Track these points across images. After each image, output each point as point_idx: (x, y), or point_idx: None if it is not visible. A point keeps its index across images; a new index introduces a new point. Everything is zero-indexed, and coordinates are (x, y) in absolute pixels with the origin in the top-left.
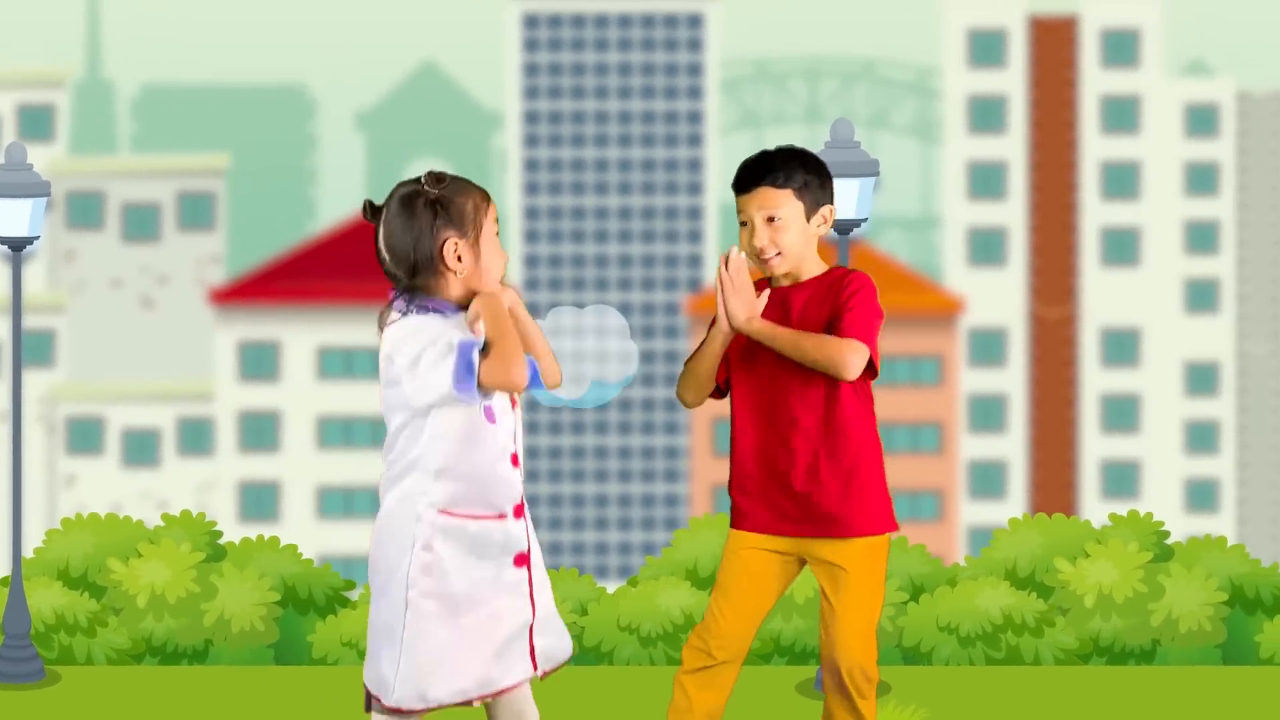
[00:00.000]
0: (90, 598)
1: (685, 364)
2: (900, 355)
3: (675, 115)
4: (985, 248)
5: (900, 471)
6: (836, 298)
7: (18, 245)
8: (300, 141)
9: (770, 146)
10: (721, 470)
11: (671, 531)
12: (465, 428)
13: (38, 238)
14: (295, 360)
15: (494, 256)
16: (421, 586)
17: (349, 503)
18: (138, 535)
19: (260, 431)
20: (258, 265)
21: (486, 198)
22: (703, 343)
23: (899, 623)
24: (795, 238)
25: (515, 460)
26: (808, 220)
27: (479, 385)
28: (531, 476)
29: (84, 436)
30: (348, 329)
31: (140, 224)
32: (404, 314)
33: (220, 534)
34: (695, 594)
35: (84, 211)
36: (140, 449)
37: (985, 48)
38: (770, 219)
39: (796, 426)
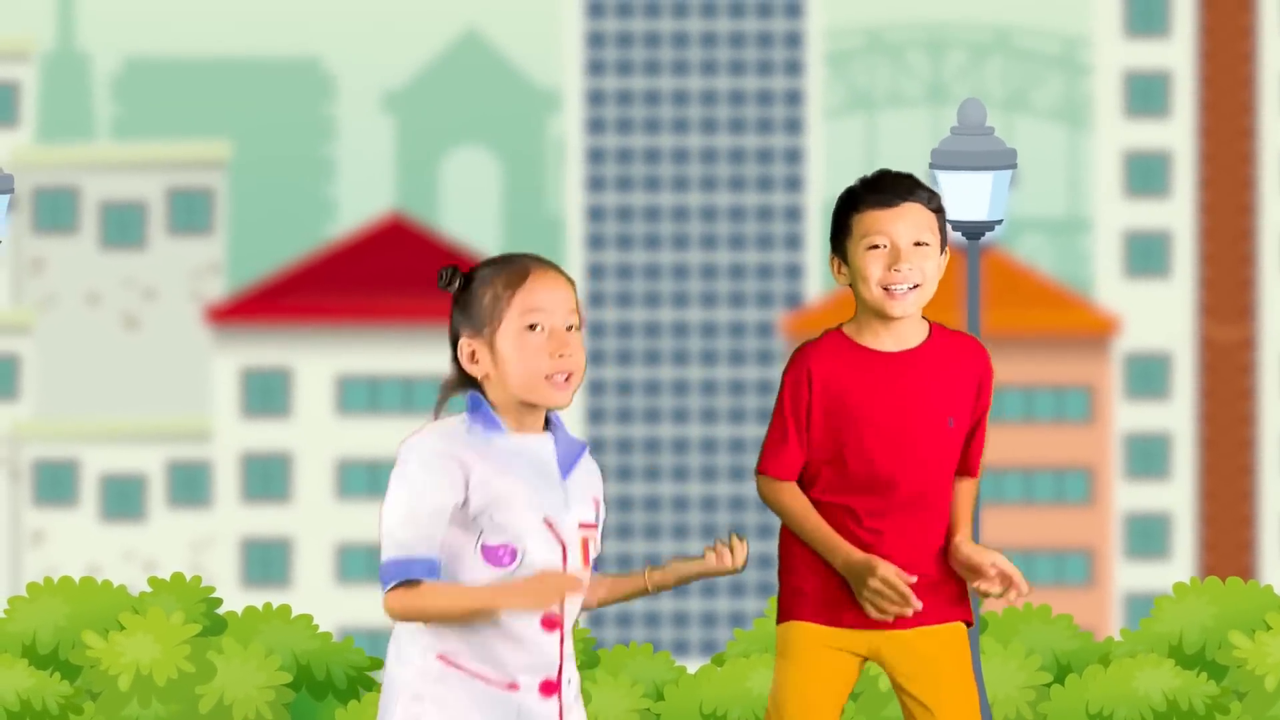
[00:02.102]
0: (62, 679)
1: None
2: (1042, 385)
3: (770, 95)
4: (1145, 256)
5: (1041, 527)
6: (980, 383)
7: None
8: (315, 127)
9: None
10: None
11: (765, 600)
12: (458, 565)
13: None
14: (310, 392)
15: (516, 354)
16: None
17: (375, 564)
18: (119, 603)
19: (267, 478)
20: (264, 277)
21: (519, 281)
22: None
23: (1041, 709)
24: (935, 272)
25: (553, 624)
26: (938, 256)
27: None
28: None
29: (54, 484)
30: (373, 354)
31: (122, 227)
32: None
33: (219, 602)
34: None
35: (54, 211)
36: (122, 499)
37: (1145, 13)
38: (918, 243)
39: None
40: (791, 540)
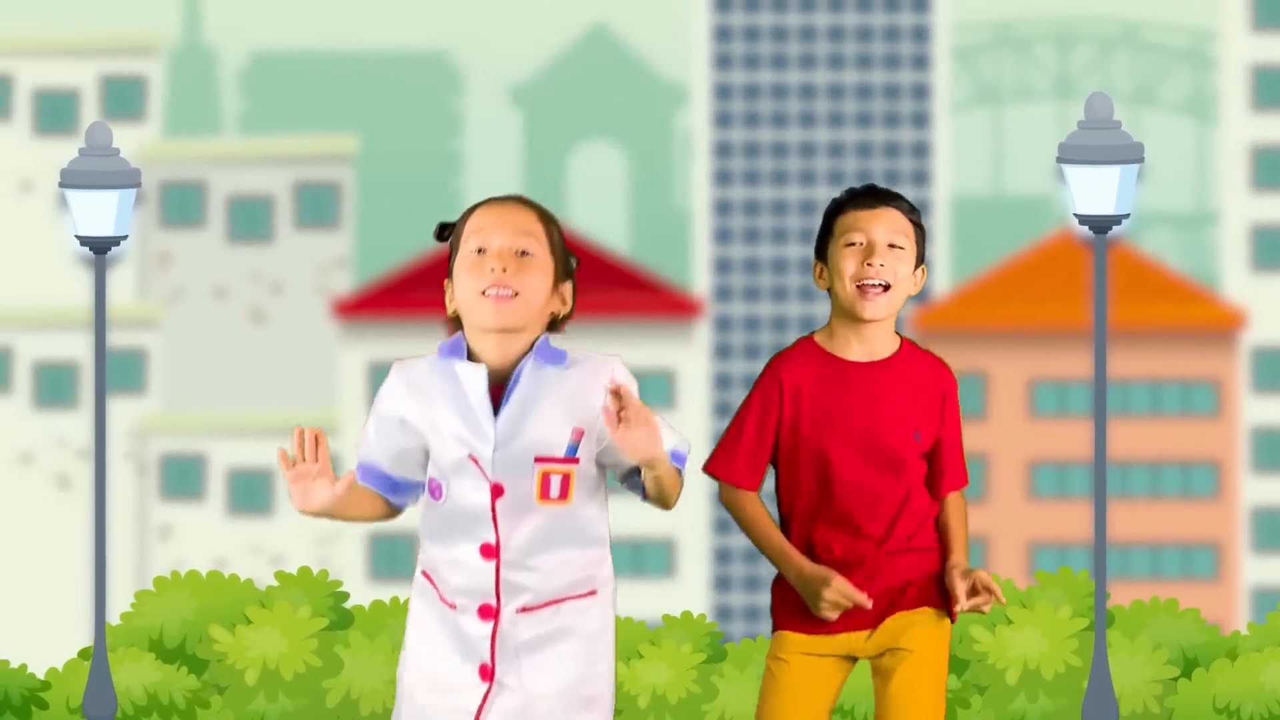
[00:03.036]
0: (189, 673)
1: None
2: (1169, 379)
3: (897, 89)
4: (1272, 249)
5: (1169, 520)
6: (944, 400)
7: (102, 247)
8: (443, 121)
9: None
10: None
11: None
12: (424, 495)
13: (125, 237)
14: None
15: (461, 279)
16: (401, 663)
17: None
18: (246, 597)
19: None
20: (392, 270)
21: (470, 213)
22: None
23: (1168, 703)
24: (906, 279)
25: (490, 552)
26: (913, 270)
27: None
28: (721, 526)
29: (181, 478)
30: None
31: (249, 221)
32: None
33: (346, 595)
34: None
35: (182, 206)
36: (249, 493)
37: (1273, 7)
38: (893, 245)
39: (878, 513)
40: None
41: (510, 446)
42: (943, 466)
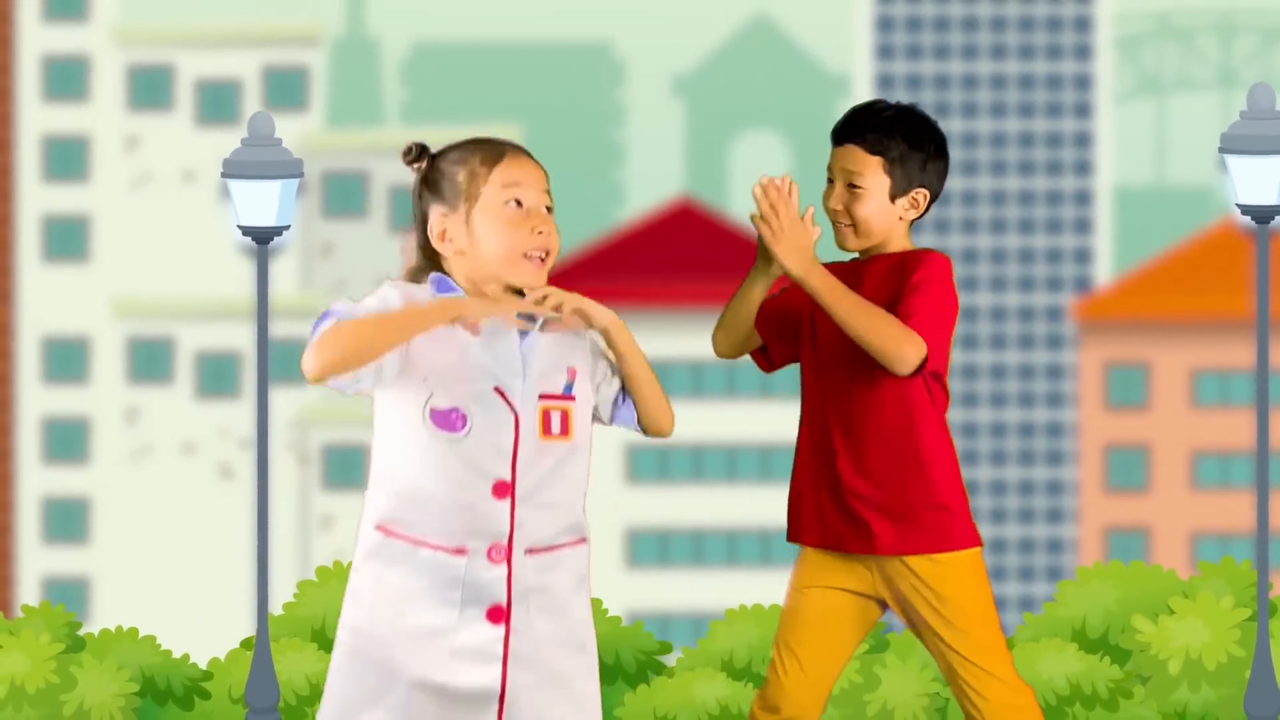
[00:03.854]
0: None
1: (726, 306)
2: None
3: (1059, 79)
4: None
5: None
6: (902, 280)
7: (265, 236)
8: (605, 111)
9: (897, 101)
10: (1119, 509)
11: (1055, 583)
12: (405, 429)
13: (288, 227)
14: None
15: (497, 229)
16: (345, 618)
17: (663, 548)
18: None
19: None
20: (561, 261)
21: (496, 158)
22: (744, 282)
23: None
24: (875, 214)
25: (504, 490)
26: (892, 200)
27: (318, 365)
28: None
29: (343, 468)
30: (661, 338)
31: (412, 211)
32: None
33: None
34: (1082, 658)
35: (344, 196)
36: None
37: None
38: (851, 185)
39: (856, 420)
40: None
41: (525, 382)
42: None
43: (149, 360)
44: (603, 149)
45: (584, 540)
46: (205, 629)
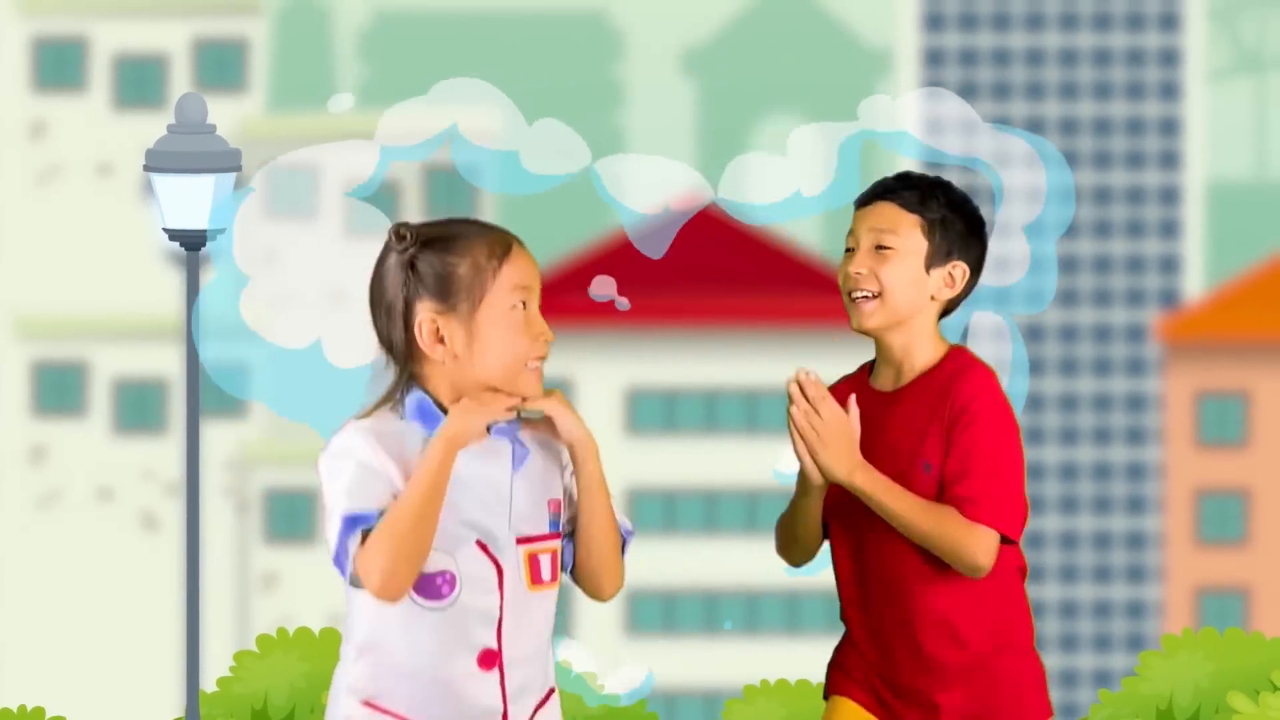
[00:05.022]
0: None
1: (779, 522)
2: None
3: (1141, 55)
4: None
5: None
6: (948, 426)
7: (195, 242)
8: (602, 92)
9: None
10: (1213, 565)
11: (1136, 654)
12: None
13: (223, 231)
14: (592, 408)
15: (503, 340)
16: None
17: (660, 611)
18: None
19: None
20: (545, 267)
21: (504, 252)
22: (793, 499)
23: None
24: (904, 282)
25: (491, 660)
26: (927, 270)
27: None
28: None
29: (289, 518)
30: (669, 361)
31: (372, 210)
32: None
33: None
34: None
35: (289, 193)
36: None
37: None
38: (880, 246)
39: (908, 596)
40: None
41: (511, 528)
42: (952, 486)
43: (58, 389)
44: (599, 136)
45: (554, 690)
46: (125, 709)
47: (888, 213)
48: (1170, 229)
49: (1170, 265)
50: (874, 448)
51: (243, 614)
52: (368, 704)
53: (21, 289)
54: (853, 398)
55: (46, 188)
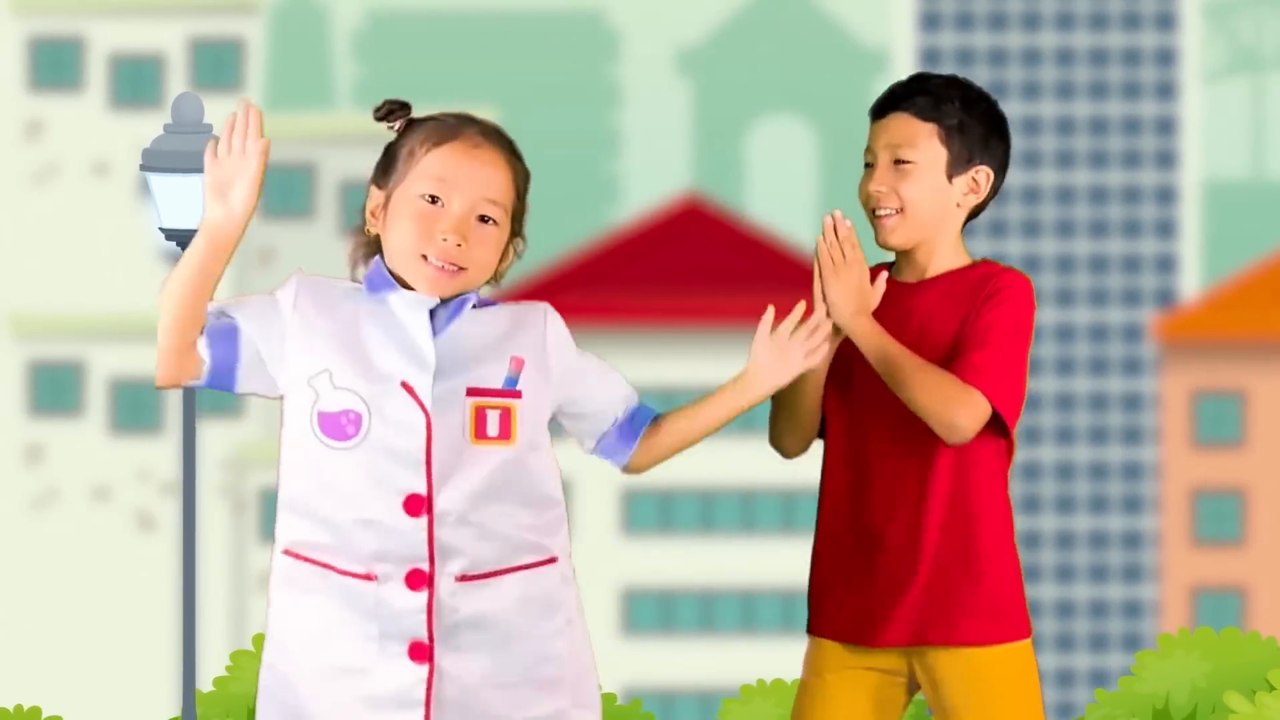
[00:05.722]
0: None
1: (775, 403)
2: None
3: (1137, 55)
4: None
5: None
6: (972, 309)
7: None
8: (597, 92)
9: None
10: (1209, 565)
11: (1132, 654)
12: (298, 437)
13: None
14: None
15: (399, 224)
16: (264, 656)
17: (660, 611)
18: None
19: None
20: (537, 269)
21: (439, 141)
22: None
23: None
24: (926, 195)
25: (417, 505)
26: (949, 179)
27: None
28: None
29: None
30: (666, 362)
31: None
32: None
33: None
34: None
35: (287, 193)
36: None
37: None
38: (899, 160)
39: (903, 488)
40: (817, 533)
41: (446, 377)
42: (961, 350)
43: (53, 389)
44: (595, 137)
45: (551, 560)
46: (121, 709)
47: (903, 124)
48: (1167, 228)
49: (1167, 265)
50: (895, 335)
51: (239, 614)
52: (288, 552)
53: (18, 288)
54: (883, 274)
55: (43, 187)
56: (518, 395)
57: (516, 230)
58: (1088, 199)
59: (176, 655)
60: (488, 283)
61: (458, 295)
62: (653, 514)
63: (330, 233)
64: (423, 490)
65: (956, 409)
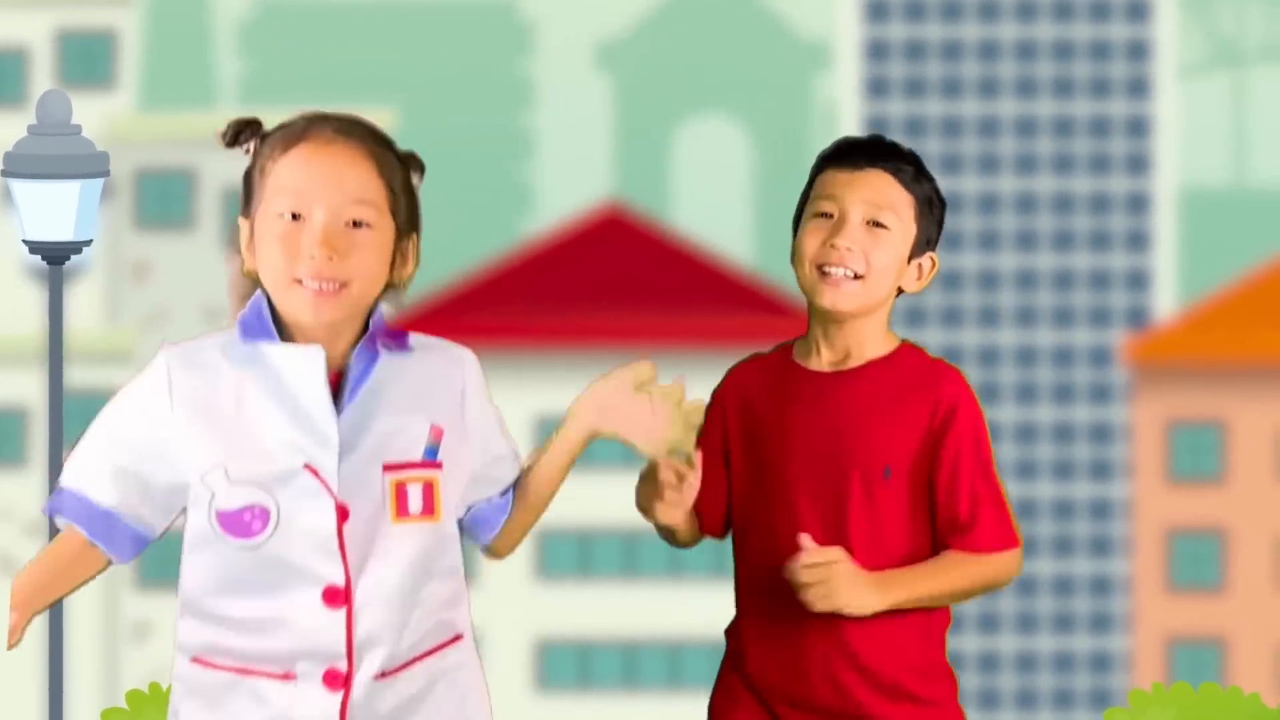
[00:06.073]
0: None
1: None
2: None
3: (1107, 48)
4: None
5: None
6: (936, 437)
7: (59, 255)
8: (508, 90)
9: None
10: (1186, 613)
11: (1100, 712)
12: (198, 538)
13: (89, 242)
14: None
15: (265, 252)
16: None
17: (576, 663)
18: None
19: None
20: (441, 286)
21: (286, 147)
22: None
23: None
24: (890, 268)
25: (337, 597)
26: (908, 259)
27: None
28: None
29: (163, 562)
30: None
31: None
32: None
33: None
34: None
35: (164, 201)
36: None
37: None
38: (876, 223)
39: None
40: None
41: (357, 452)
42: (946, 517)
43: None
44: (506, 139)
45: (459, 637)
46: None
47: (887, 185)
48: (1139, 240)
49: (1139, 281)
50: (809, 431)
51: (110, 667)
52: (196, 660)
53: None
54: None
55: None
56: (438, 466)
57: (407, 228)
58: (1051, 208)
59: (43, 714)
60: (387, 296)
61: (355, 318)
62: (572, 558)
63: (212, 245)
64: (340, 581)
65: (1006, 576)
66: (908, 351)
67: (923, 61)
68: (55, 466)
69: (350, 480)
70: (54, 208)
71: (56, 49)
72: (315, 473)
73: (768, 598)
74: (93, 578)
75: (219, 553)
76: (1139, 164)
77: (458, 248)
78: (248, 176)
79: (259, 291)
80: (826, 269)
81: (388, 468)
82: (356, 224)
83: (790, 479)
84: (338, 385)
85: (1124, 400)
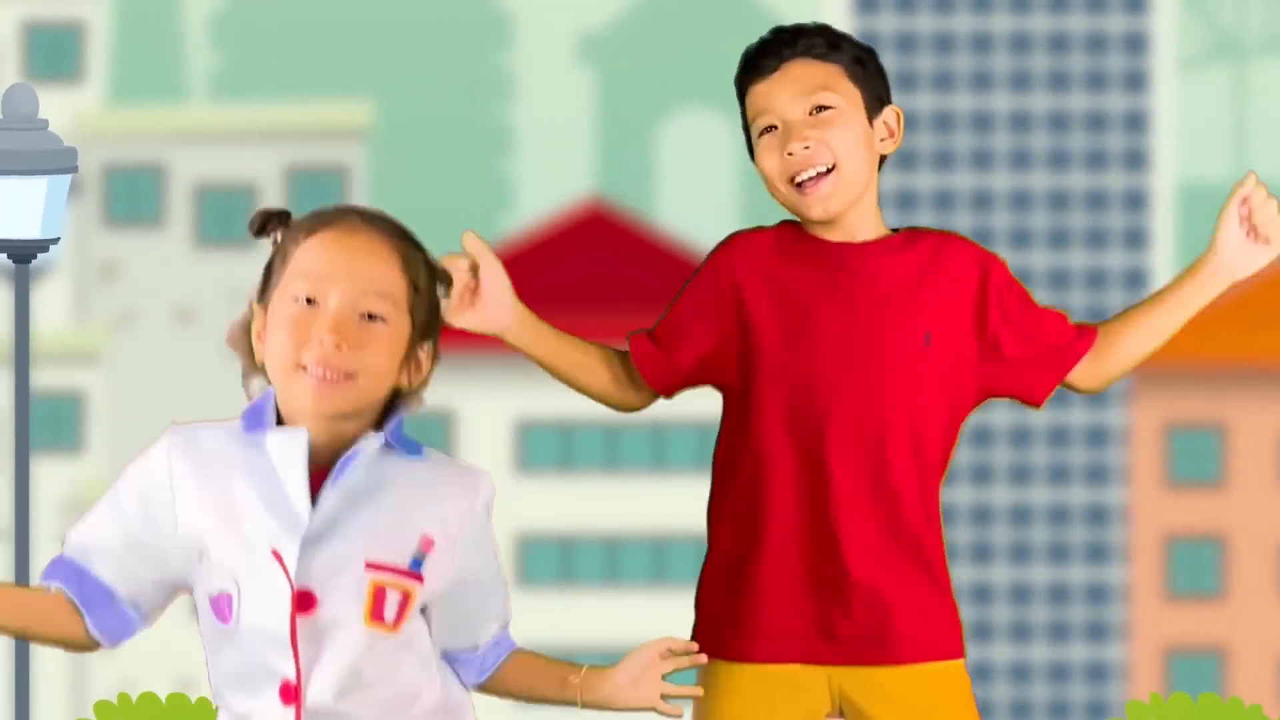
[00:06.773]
0: None
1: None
2: None
3: (1103, 41)
4: None
5: None
6: (986, 293)
7: (24, 254)
8: (488, 83)
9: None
10: (1185, 622)
11: None
12: (201, 621)
13: (57, 240)
14: (482, 442)
15: (274, 335)
16: None
17: None
18: None
19: None
20: None
21: (306, 237)
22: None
23: None
24: (857, 145)
25: (289, 695)
26: (869, 122)
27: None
28: None
29: None
30: (563, 391)
31: (224, 216)
32: None
33: None
34: None
35: (134, 198)
36: None
37: None
38: (820, 107)
39: (861, 489)
40: (711, 547)
41: (330, 543)
42: (1056, 344)
43: None
44: (484, 134)
45: None
46: None
47: (807, 69)
48: (1136, 238)
49: (1136, 280)
50: (850, 299)
51: (78, 677)
52: None
53: None
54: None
55: None
56: (420, 580)
57: (425, 332)
58: (1046, 204)
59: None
60: (407, 403)
61: (357, 417)
62: (552, 565)
63: (183, 243)
64: (292, 676)
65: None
66: (916, 232)
67: (913, 54)
68: (23, 469)
69: (324, 569)
70: (20, 204)
71: (23, 41)
72: (279, 557)
73: (799, 515)
74: (58, 643)
75: (211, 639)
76: (1137, 160)
77: (434, 246)
78: (269, 263)
79: (270, 387)
80: (798, 179)
81: (370, 566)
82: (371, 316)
83: (830, 349)
84: (328, 473)
85: (1120, 403)
